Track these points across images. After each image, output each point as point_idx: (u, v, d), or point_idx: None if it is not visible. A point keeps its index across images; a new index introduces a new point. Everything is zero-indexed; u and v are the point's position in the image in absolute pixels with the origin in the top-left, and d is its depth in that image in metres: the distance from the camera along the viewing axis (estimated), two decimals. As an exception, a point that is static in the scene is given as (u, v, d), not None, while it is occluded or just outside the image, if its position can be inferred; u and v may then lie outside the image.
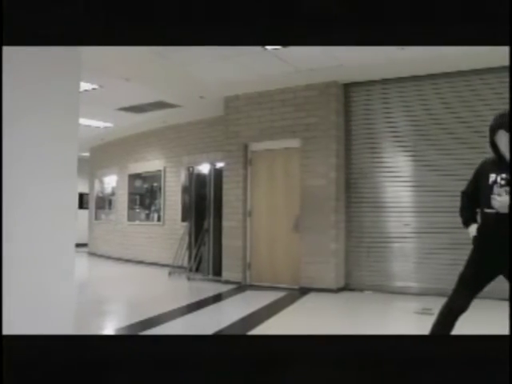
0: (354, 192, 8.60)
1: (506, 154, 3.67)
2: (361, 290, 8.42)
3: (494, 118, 3.78)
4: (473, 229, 3.89)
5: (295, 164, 8.73)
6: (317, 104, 8.51)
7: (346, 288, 8.49)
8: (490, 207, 3.66)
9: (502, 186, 3.62)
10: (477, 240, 3.87)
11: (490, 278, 3.80)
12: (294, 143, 8.74)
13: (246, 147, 9.31)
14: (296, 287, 8.55)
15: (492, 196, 3.64)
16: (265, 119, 9.04)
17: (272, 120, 8.94)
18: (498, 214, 3.62)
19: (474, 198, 3.92)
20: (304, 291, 8.33)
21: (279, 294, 8.15)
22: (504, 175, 3.63)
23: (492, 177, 3.69)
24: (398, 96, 8.37)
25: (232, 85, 8.74)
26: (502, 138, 3.65)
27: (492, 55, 7.06)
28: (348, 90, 8.71)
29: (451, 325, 3.84)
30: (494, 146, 3.75)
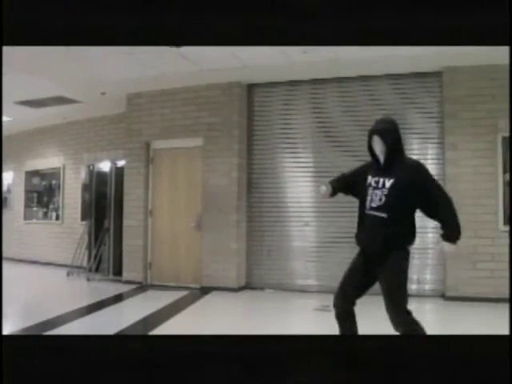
0: (256, 192, 8.71)
1: (381, 158, 3.87)
2: (262, 288, 8.54)
3: (373, 124, 3.97)
4: (325, 188, 4.06)
5: (197, 163, 8.72)
6: (219, 104, 8.55)
7: (247, 287, 8.58)
8: (366, 208, 3.87)
9: (374, 188, 3.83)
10: (356, 240, 4.06)
11: (368, 278, 3.93)
12: (196, 142, 8.72)
13: (147, 145, 9.20)
14: (198, 286, 8.55)
15: (367, 197, 3.85)
16: (167, 117, 8.97)
17: (174, 118, 8.89)
18: (372, 216, 3.83)
19: (345, 180, 4.14)
20: (206, 290, 8.35)
21: (181, 294, 8.13)
22: (376, 178, 3.85)
23: (369, 179, 3.90)
24: (301, 97, 8.57)
25: (135, 82, 8.58)
26: (376, 143, 3.85)
27: (389, 63, 7.45)
28: (252, 90, 8.80)
29: (348, 325, 3.97)
30: (371, 150, 3.94)
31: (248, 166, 8.73)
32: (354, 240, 4.07)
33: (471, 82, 7.62)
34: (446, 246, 3.73)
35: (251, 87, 8.78)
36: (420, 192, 3.74)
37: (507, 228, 7.41)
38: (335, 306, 3.98)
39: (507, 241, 7.37)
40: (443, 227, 3.78)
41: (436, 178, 3.97)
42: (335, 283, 7.93)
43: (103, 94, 9.39)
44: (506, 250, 7.36)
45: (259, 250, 8.66)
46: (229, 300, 7.87)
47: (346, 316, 3.96)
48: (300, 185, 8.50)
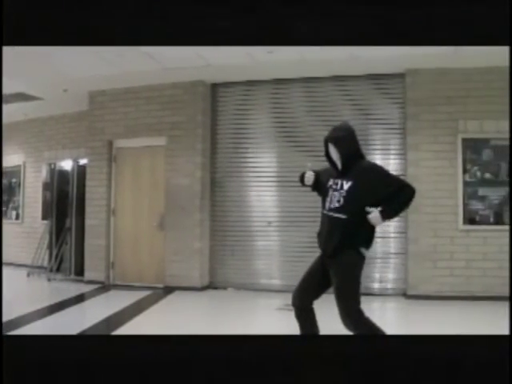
0: (219, 191, 8.70)
1: (338, 164, 4.00)
2: (225, 287, 8.54)
3: (329, 131, 4.10)
4: (312, 174, 4.15)
5: (161, 162, 8.67)
6: (183, 103, 8.51)
7: (210, 286, 8.57)
8: (326, 209, 3.99)
9: (334, 190, 3.94)
10: (317, 240, 4.13)
11: (326, 279, 3.98)
12: (159, 141, 8.66)
13: (110, 144, 9.09)
14: (161, 286, 8.50)
15: (327, 198, 3.97)
16: (131, 116, 8.88)
17: (138, 117, 8.81)
18: (330, 217, 3.93)
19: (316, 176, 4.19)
20: (169, 290, 8.31)
21: (144, 294, 8.08)
22: (336, 180, 3.97)
23: (330, 181, 4.02)
24: (265, 97, 8.59)
25: (98, 79, 8.45)
26: (332, 151, 4.00)
27: (353, 64, 7.55)
28: (215, 89, 8.79)
29: (308, 324, 4.06)
30: (328, 156, 4.08)
31: (211, 165, 8.72)
32: (316, 240, 4.13)
33: (432, 85, 7.76)
34: (376, 216, 3.81)
35: (215, 86, 8.77)
36: (382, 191, 3.84)
37: (466, 227, 7.58)
38: (294, 305, 4.07)
39: (466, 240, 7.57)
40: (391, 204, 3.86)
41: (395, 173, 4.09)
42: (297, 282, 8.01)
43: (65, 91, 9.24)
44: (465, 248, 7.56)
45: (223, 250, 8.66)
46: (192, 299, 7.84)
47: (305, 315, 4.05)
48: (263, 184, 8.52)
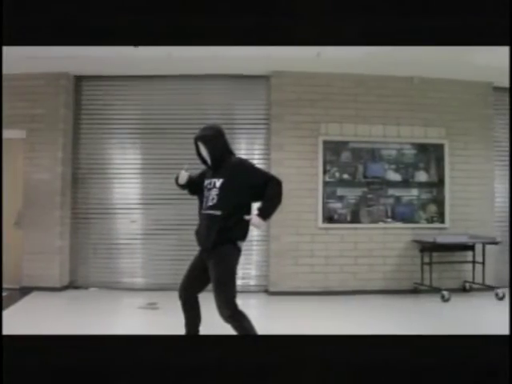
0: (82, 188, 8.42)
1: (209, 162, 4.25)
2: (87, 287, 8.29)
3: (198, 131, 4.32)
4: (185, 174, 4.37)
5: (19, 156, 8.23)
6: (44, 95, 8.14)
7: (71, 286, 8.28)
8: (203, 208, 4.20)
9: (209, 189, 4.15)
10: (195, 237, 4.31)
11: (206, 274, 4.13)
12: (18, 134, 8.18)
13: (-37, 135, 8.51)
14: (17, 287, 8.06)
15: (204, 198, 4.18)
16: (-14, 106, 8.36)
17: (-6, 108, 8.31)
18: (208, 214, 4.11)
19: (195, 180, 4.40)
20: (26, 291, 7.91)
21: (-4, 295, 7.64)
22: (209, 180, 4.21)
23: (206, 182, 4.23)
24: (130, 93, 8.46)
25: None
26: (202, 149, 4.24)
27: (218, 64, 7.63)
28: (80, 83, 8.51)
29: (193, 315, 4.28)
30: (199, 155, 4.33)
31: (74, 161, 8.41)
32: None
33: (296, 87, 8.08)
34: (256, 218, 4.02)
35: (80, 79, 8.48)
36: (249, 185, 4.07)
37: (325, 225, 7.94)
38: (180, 296, 4.24)
39: (325, 238, 7.94)
40: (263, 202, 4.08)
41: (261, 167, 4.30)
42: (161, 281, 8.03)
43: None
44: (324, 246, 7.93)
45: (85, 248, 8.39)
46: (50, 300, 7.52)
47: (190, 306, 4.25)
48: (128, 181, 8.39)
